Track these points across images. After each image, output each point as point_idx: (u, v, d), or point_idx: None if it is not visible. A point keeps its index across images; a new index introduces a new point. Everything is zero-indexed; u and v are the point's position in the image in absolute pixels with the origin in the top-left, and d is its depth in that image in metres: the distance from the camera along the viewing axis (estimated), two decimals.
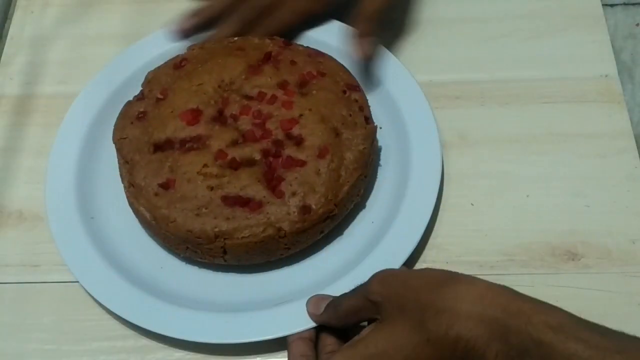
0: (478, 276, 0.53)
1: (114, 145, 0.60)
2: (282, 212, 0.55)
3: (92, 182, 0.62)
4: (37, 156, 0.64)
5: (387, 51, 0.66)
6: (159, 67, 0.64)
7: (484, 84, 0.67)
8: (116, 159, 0.60)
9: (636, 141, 0.62)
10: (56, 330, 0.56)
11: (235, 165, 0.56)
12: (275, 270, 0.58)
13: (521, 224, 0.59)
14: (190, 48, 0.65)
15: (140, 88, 0.63)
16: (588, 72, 0.66)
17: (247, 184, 0.55)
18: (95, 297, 0.55)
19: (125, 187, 0.58)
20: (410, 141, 0.61)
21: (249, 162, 0.57)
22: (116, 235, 0.59)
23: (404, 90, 0.64)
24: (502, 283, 0.55)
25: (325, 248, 0.59)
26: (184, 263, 0.59)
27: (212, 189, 0.55)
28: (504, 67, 0.68)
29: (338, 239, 0.59)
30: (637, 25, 0.72)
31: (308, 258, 0.58)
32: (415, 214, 0.58)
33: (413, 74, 0.65)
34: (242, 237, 0.54)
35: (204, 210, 0.55)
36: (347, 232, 0.60)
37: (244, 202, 0.55)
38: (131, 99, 0.63)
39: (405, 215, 0.58)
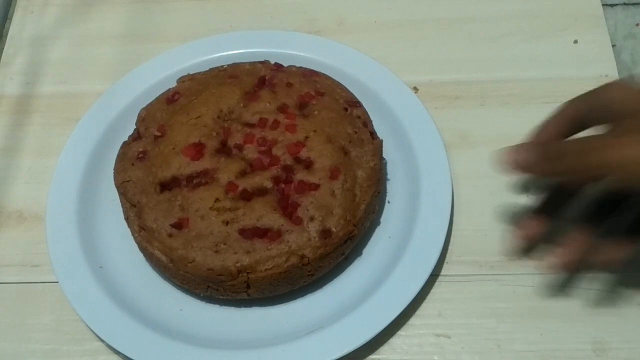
0: (477, 276, 0.55)
1: (113, 189, 0.59)
2: (303, 239, 0.54)
3: (94, 230, 0.60)
4: (37, 156, 0.65)
5: (367, 56, 0.66)
6: (151, 103, 0.62)
7: (484, 84, 0.67)
8: (117, 203, 0.59)
9: None
10: (56, 330, 0.56)
11: (247, 196, 0.55)
12: (300, 298, 0.57)
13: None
14: (180, 80, 0.64)
15: (134, 126, 0.61)
16: (588, 72, 0.66)
17: (263, 214, 0.54)
18: (120, 350, 0.53)
19: (134, 231, 0.56)
20: (414, 150, 0.61)
21: (261, 191, 0.56)
22: (129, 282, 0.58)
23: (397, 97, 0.64)
24: (502, 283, 0.56)
25: (346, 270, 0.58)
26: (203, 302, 0.57)
27: (227, 223, 0.54)
28: (503, 67, 0.68)
29: (358, 259, 0.59)
30: (637, 25, 0.72)
31: (330, 282, 0.58)
32: (432, 225, 0.57)
33: (413, 73, 0.66)
34: (266, 270, 0.53)
35: (222, 246, 0.54)
36: (365, 251, 0.59)
37: (262, 233, 0.54)
38: (126, 139, 0.61)
39: (422, 227, 0.57)
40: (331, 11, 0.73)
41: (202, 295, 0.56)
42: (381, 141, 0.60)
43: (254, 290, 0.55)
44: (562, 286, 0.56)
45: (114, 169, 0.59)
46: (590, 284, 0.56)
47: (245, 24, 0.72)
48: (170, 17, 0.67)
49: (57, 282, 0.56)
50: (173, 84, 0.64)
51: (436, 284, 0.57)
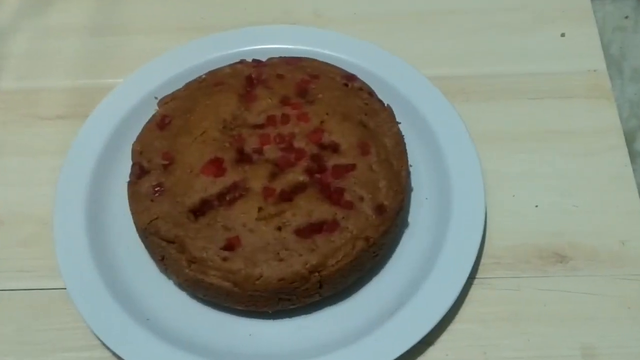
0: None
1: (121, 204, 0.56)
2: (362, 221, 0.53)
3: (110, 251, 0.57)
4: None
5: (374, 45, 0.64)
6: (141, 134, 0.59)
7: (467, 79, 0.65)
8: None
9: (626, 138, 0.60)
10: (16, 340, 0.53)
11: (288, 197, 0.53)
12: (343, 301, 0.55)
13: (507, 225, 0.57)
14: (161, 103, 0.60)
15: (131, 162, 0.57)
16: (576, 66, 0.64)
17: (312, 208, 0.52)
18: None
19: (182, 267, 0.52)
20: (438, 140, 0.60)
21: (300, 187, 0.54)
22: (183, 325, 0.54)
23: (409, 84, 0.63)
24: (487, 287, 0.54)
25: (381, 271, 0.56)
26: (270, 320, 0.54)
27: (280, 228, 0.52)
28: (488, 62, 0.66)
29: (390, 262, 0.56)
30: (626, 17, 0.70)
31: (368, 284, 0.56)
32: (467, 223, 0.55)
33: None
34: (337, 262, 0.51)
35: (284, 252, 0.51)
36: (396, 253, 0.57)
37: (319, 228, 0.52)
38: (128, 179, 0.57)
39: (457, 227, 0.55)
40: (307, 3, 0.70)
41: (270, 312, 0.53)
42: (389, 106, 0.60)
43: (327, 288, 0.53)
44: (549, 290, 0.54)
45: (134, 214, 0.55)
46: (579, 287, 0.54)
47: (217, 14, 0.69)
48: (138, 7, 0.62)
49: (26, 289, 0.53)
50: (151, 109, 0.60)
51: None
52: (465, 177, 0.57)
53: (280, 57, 0.63)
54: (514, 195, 0.59)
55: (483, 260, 0.56)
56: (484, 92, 0.65)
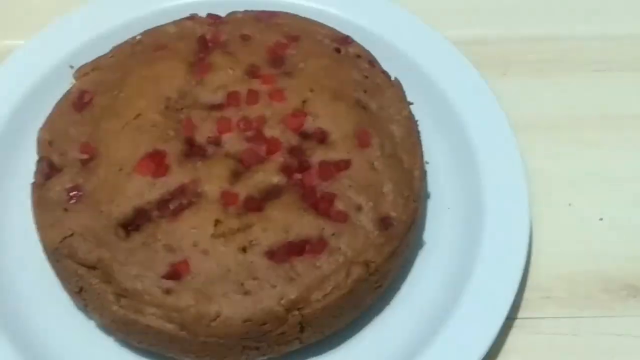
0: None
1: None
2: (360, 239, 0.53)
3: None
4: None
5: None
6: (50, 118, 0.59)
7: (505, 44, 0.65)
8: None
9: None
10: None
11: (256, 205, 0.54)
12: (332, 350, 0.56)
13: (560, 246, 0.58)
14: (79, 74, 0.61)
15: (36, 157, 0.58)
16: None
17: (290, 221, 0.53)
18: None
19: (108, 303, 0.53)
20: (465, 129, 0.61)
21: (273, 192, 0.55)
22: None
23: (425, 50, 0.64)
24: (532, 330, 0.55)
25: (386, 309, 0.57)
26: None
27: (245, 249, 0.53)
28: (535, 21, 0.66)
29: (397, 296, 0.57)
30: None
31: (368, 326, 0.57)
32: (505, 242, 0.56)
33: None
34: (325, 297, 0.52)
35: (251, 282, 0.52)
36: (406, 284, 0.58)
37: (299, 248, 0.53)
38: (32, 180, 0.57)
39: (490, 247, 0.56)
40: None
41: None
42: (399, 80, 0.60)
43: (310, 332, 0.53)
44: (617, 334, 0.55)
45: (39, 229, 0.55)
46: None
47: None
48: None
49: None
50: (65, 82, 0.61)
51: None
52: (502, 180, 0.58)
53: (246, 10, 0.63)
54: (570, 205, 0.60)
55: (527, 294, 0.56)
56: (529, 63, 0.65)
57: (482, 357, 0.52)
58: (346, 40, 0.61)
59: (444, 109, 0.61)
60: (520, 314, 0.56)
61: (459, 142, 0.61)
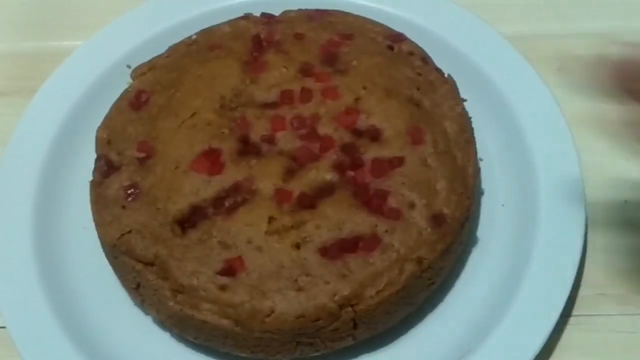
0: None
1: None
2: (413, 236, 0.54)
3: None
4: None
5: None
6: (109, 117, 0.60)
7: (562, 39, 0.65)
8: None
9: None
10: None
11: (310, 202, 0.54)
12: (386, 347, 0.56)
13: (616, 242, 0.58)
14: (136, 74, 0.62)
15: (95, 155, 0.59)
16: None
17: (343, 218, 0.54)
18: None
19: (165, 299, 0.54)
20: (520, 125, 0.61)
21: (326, 190, 0.55)
22: None
23: (479, 46, 0.64)
24: (588, 328, 0.54)
25: (440, 306, 0.57)
26: None
27: (298, 246, 0.53)
28: (591, 15, 0.66)
29: (451, 293, 0.58)
30: None
31: (421, 323, 0.57)
32: (560, 239, 0.56)
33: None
34: (378, 293, 0.52)
35: (304, 278, 0.52)
36: (460, 281, 0.58)
37: (353, 245, 0.53)
38: (91, 178, 0.58)
39: (545, 244, 0.56)
40: None
41: (288, 359, 0.54)
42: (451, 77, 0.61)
43: (364, 328, 0.54)
44: None
45: (97, 226, 0.56)
46: None
47: None
48: None
49: None
50: (123, 82, 0.62)
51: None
52: (558, 176, 0.57)
53: (300, 9, 0.64)
54: (626, 201, 0.59)
55: (582, 291, 0.56)
56: (584, 58, 0.64)
57: (536, 354, 0.52)
58: (399, 37, 0.62)
59: (498, 106, 0.61)
60: (575, 312, 0.55)
61: (514, 138, 0.60)
